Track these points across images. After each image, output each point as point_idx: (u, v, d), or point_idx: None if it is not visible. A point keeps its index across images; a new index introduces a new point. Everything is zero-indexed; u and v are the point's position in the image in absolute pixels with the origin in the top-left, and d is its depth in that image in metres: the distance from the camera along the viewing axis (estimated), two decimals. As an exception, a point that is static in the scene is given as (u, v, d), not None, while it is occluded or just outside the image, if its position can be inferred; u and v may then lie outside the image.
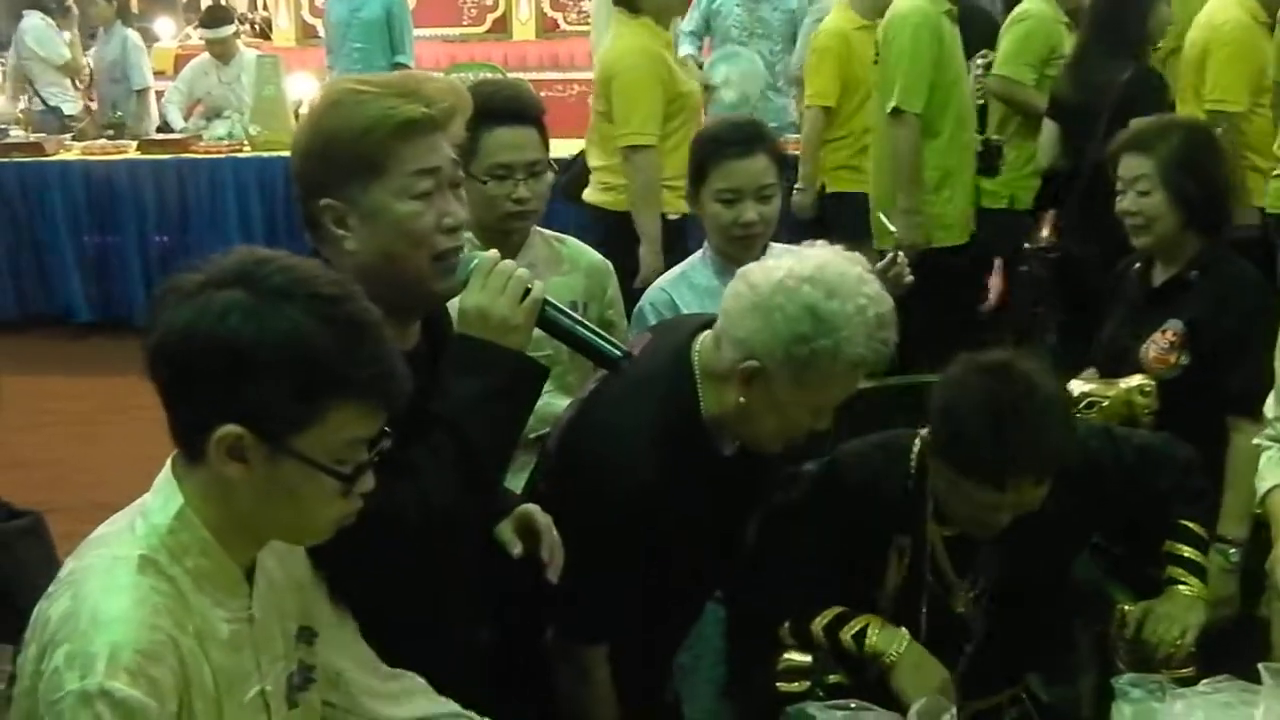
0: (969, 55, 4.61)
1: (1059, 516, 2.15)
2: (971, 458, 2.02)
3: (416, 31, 7.63)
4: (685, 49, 5.83)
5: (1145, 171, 2.81)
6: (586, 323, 1.89)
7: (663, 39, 4.35)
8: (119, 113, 7.97)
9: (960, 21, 4.40)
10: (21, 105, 8.56)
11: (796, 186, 5.17)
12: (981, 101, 4.90)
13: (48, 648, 1.35)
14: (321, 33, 8.68)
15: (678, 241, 4.16)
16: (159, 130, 8.00)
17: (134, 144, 7.40)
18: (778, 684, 2.17)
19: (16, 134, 7.80)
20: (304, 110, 5.72)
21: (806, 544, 2.23)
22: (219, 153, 7.16)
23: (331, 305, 1.39)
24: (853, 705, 1.93)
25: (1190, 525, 2.32)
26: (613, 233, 4.23)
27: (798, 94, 6.64)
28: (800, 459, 2.29)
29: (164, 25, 10.66)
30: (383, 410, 1.43)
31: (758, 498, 2.23)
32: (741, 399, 1.98)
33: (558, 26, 10.03)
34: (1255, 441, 2.49)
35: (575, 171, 4.81)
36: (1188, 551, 2.31)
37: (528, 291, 1.75)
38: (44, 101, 8.58)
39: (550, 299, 1.80)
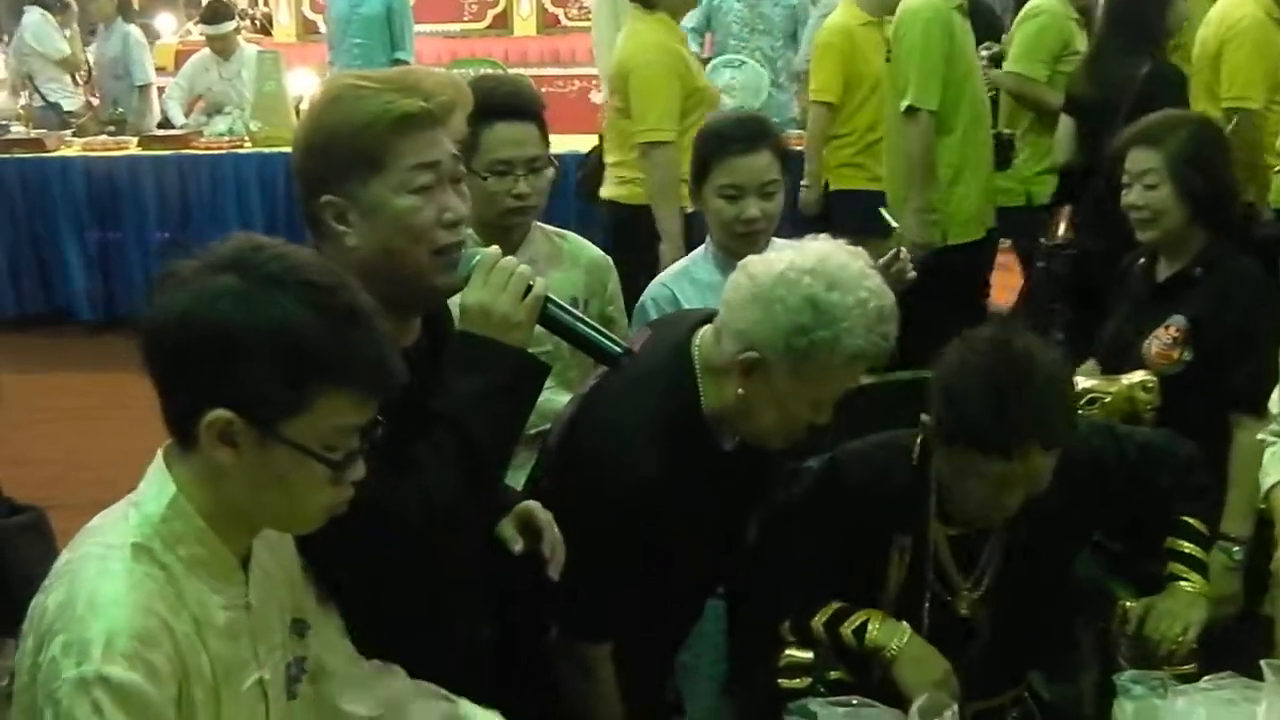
0: (973, 48, 4.61)
1: (1061, 514, 2.15)
2: (978, 427, 2.01)
3: (417, 27, 7.63)
4: (686, 45, 5.83)
5: (1153, 165, 2.81)
6: (587, 320, 1.88)
7: (678, 34, 4.35)
8: (120, 109, 7.96)
9: (961, 14, 4.39)
10: (22, 101, 8.56)
11: (803, 184, 5.17)
12: (991, 93, 4.89)
13: (44, 638, 1.35)
14: (322, 28, 8.69)
15: (699, 236, 4.18)
16: (160, 126, 8.00)
17: (135, 140, 7.39)
18: (779, 681, 2.17)
19: (17, 130, 7.79)
20: (304, 106, 5.72)
21: (807, 543, 2.23)
22: (220, 149, 7.15)
23: (324, 293, 1.40)
24: (854, 702, 1.92)
25: (1192, 521, 2.32)
26: (629, 227, 4.24)
27: (799, 89, 6.65)
28: (802, 455, 2.29)
29: (165, 21, 10.68)
30: (374, 398, 1.43)
31: (759, 494, 2.23)
32: (741, 391, 1.97)
33: (559, 22, 10.03)
34: (1260, 437, 2.49)
35: (590, 168, 4.82)
36: (1189, 548, 2.30)
37: (529, 288, 1.75)
38: (43, 97, 8.58)
39: (552, 296, 1.79)
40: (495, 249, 1.78)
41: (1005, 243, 5.00)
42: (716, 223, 2.76)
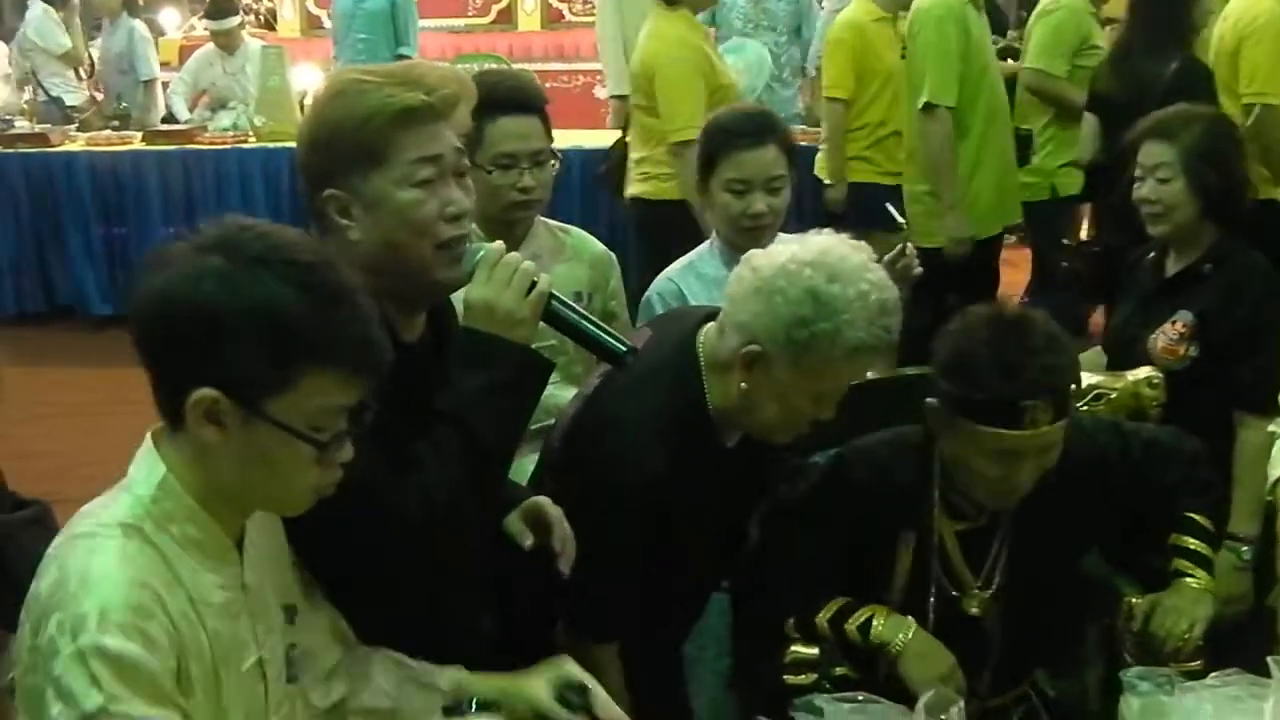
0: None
1: (1068, 511, 2.14)
2: (985, 395, 2.01)
3: (421, 23, 7.62)
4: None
5: (1166, 159, 2.80)
6: (591, 317, 1.88)
7: (701, 30, 4.36)
8: (124, 104, 7.96)
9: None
10: (26, 96, 8.56)
11: (826, 182, 5.18)
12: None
13: (40, 621, 1.36)
14: (327, 24, 8.69)
15: None
16: (164, 121, 7.99)
17: (139, 135, 7.39)
18: (784, 676, 2.17)
19: (21, 125, 7.79)
20: (309, 101, 5.72)
21: (813, 539, 2.22)
22: (224, 144, 7.15)
23: (307, 272, 1.40)
24: (860, 698, 1.92)
25: (1197, 518, 2.31)
26: (655, 222, 4.23)
27: (803, 85, 6.64)
28: (808, 450, 2.28)
29: (169, 16, 10.67)
30: (360, 377, 1.43)
31: (765, 489, 2.22)
32: (743, 384, 1.97)
33: (563, 17, 10.04)
34: (1271, 429, 2.48)
35: (614, 162, 4.82)
36: (1194, 544, 2.29)
37: (534, 285, 1.74)
38: (46, 92, 8.57)
39: (556, 292, 1.79)
40: (499, 244, 1.77)
41: (1010, 239, 4.99)
42: (723, 217, 2.76)
